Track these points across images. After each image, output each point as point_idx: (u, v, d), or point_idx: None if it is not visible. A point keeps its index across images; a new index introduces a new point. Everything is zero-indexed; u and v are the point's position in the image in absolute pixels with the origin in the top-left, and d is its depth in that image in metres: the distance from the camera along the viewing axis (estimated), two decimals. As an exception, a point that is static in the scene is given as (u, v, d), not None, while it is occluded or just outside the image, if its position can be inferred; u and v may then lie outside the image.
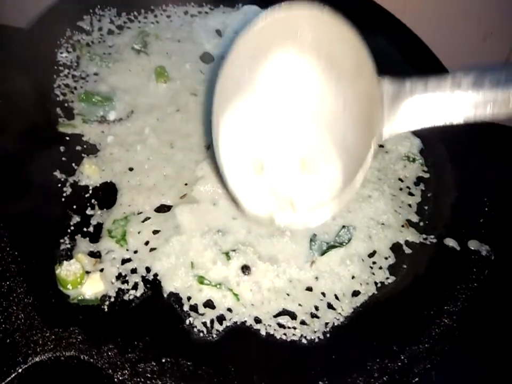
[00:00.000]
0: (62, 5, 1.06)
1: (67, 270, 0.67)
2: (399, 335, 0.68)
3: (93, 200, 0.81)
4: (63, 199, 0.79)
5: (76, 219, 0.77)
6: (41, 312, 0.64)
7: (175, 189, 0.85)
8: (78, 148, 0.87)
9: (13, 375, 0.59)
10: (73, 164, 0.85)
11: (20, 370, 0.59)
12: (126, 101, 0.97)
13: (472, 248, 0.77)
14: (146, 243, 0.76)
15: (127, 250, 0.75)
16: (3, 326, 0.62)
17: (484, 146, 0.93)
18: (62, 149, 0.86)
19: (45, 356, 0.61)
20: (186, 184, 0.86)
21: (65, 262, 0.68)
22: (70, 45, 1.04)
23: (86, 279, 0.68)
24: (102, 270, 0.70)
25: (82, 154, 0.86)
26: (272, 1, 1.15)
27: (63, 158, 0.85)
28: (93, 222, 0.78)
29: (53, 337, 0.62)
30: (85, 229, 0.77)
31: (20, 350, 0.61)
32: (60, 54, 1.01)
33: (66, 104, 0.93)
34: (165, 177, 0.87)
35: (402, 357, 0.65)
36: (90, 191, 0.82)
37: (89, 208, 0.79)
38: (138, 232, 0.77)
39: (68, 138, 0.88)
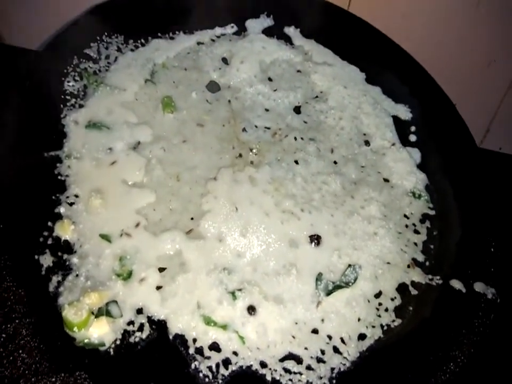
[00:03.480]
0: (69, 32, 1.07)
1: (73, 312, 0.67)
2: (405, 382, 0.68)
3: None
4: (69, 237, 0.79)
5: (82, 256, 0.77)
6: (47, 356, 0.64)
7: (181, 223, 0.85)
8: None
9: (18, 422, 0.59)
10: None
11: (25, 417, 0.59)
12: (133, 132, 0.97)
13: (478, 291, 0.77)
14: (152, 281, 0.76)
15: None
16: (9, 371, 0.62)
17: (490, 182, 0.93)
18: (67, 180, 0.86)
19: (50, 402, 0.60)
20: (192, 219, 0.85)
21: (71, 304, 0.68)
22: (77, 73, 1.04)
23: (92, 322, 0.68)
24: (108, 312, 0.70)
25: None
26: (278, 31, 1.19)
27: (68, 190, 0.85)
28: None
29: (59, 382, 0.62)
30: (90, 266, 0.76)
31: (25, 397, 0.60)
32: (67, 83, 1.01)
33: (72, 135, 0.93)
34: (171, 211, 0.86)
35: (408, 406, 0.65)
36: (97, 226, 0.81)
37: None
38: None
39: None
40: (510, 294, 0.78)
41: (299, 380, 0.68)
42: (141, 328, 0.71)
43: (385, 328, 0.75)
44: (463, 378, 0.69)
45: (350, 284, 0.79)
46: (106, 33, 1.11)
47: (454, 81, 1.31)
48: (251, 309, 0.75)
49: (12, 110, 0.89)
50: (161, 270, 0.78)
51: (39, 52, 1.03)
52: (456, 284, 0.79)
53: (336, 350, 0.72)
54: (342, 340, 0.73)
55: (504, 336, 0.84)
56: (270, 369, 0.69)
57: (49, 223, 0.79)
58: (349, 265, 0.81)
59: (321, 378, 0.69)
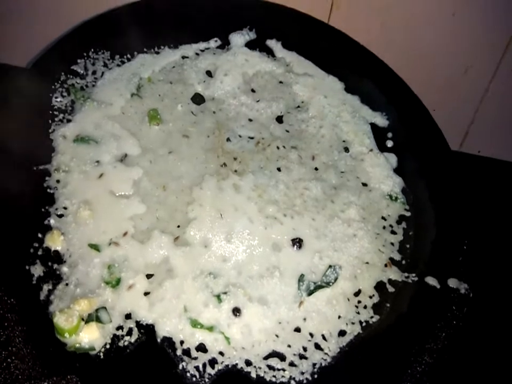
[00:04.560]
0: (56, 49, 1.10)
1: (64, 319, 0.70)
2: (383, 374, 0.71)
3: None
4: (59, 247, 0.82)
5: (72, 265, 0.80)
6: (39, 362, 0.66)
7: (168, 231, 0.88)
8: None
9: (12, 426, 0.61)
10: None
11: (18, 421, 0.61)
12: (120, 144, 1.00)
13: (452, 286, 0.81)
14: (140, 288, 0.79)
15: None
16: (3, 376, 0.64)
17: (462, 183, 0.98)
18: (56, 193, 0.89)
19: (43, 405, 0.63)
20: (178, 227, 0.88)
21: (62, 311, 0.71)
22: (64, 89, 1.06)
23: (83, 327, 0.71)
24: (98, 318, 0.73)
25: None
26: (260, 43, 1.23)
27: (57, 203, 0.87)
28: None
29: (51, 386, 0.65)
30: (79, 274, 0.79)
31: (18, 401, 0.63)
32: (55, 99, 1.04)
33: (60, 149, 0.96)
34: (158, 220, 0.89)
35: (386, 397, 0.68)
36: (86, 236, 0.84)
37: (84, 254, 0.82)
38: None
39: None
40: (481, 288, 0.82)
41: (282, 376, 0.71)
42: (129, 332, 0.73)
43: (364, 324, 0.79)
44: (438, 369, 0.72)
45: (331, 283, 0.83)
46: (93, 50, 1.14)
47: (433, 87, 1.36)
48: (236, 311, 0.78)
49: (2, 125, 0.92)
50: (149, 276, 0.81)
51: (27, 68, 1.06)
52: (431, 281, 0.83)
53: (317, 346, 0.75)
54: (323, 337, 0.77)
55: (477, 328, 0.88)
56: (255, 366, 0.72)
57: (39, 235, 0.82)
58: (330, 266, 0.85)
59: (303, 373, 0.72)
